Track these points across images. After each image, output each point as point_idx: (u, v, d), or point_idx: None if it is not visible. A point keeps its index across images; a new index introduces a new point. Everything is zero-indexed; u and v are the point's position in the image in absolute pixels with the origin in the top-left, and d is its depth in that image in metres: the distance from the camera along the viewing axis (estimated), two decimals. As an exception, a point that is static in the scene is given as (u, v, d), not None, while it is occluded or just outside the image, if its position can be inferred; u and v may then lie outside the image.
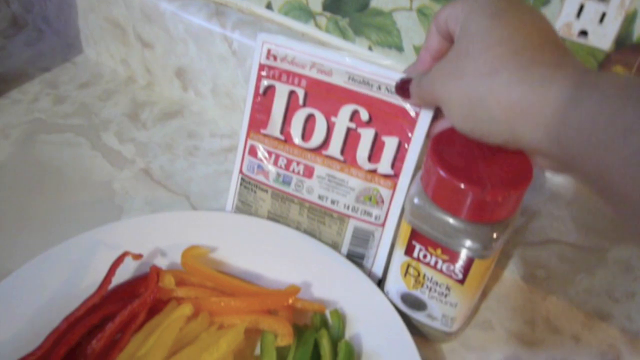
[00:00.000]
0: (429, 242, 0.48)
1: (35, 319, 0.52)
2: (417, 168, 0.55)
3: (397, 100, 0.54)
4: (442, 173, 0.44)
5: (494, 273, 0.64)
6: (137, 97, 0.87)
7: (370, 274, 0.59)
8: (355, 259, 0.59)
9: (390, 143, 0.55)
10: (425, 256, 0.50)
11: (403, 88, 0.50)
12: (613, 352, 0.58)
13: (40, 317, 0.52)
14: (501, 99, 0.37)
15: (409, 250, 0.51)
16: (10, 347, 0.49)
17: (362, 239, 0.58)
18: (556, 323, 0.60)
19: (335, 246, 0.60)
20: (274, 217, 0.62)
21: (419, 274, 0.51)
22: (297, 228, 0.61)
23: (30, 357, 0.48)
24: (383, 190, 0.56)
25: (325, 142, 0.58)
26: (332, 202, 0.58)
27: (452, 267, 0.49)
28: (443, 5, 0.45)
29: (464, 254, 0.47)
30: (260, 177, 0.61)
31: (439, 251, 0.48)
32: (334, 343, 0.52)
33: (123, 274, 0.56)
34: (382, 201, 0.57)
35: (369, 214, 0.58)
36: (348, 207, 0.58)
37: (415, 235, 0.49)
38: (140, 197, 0.70)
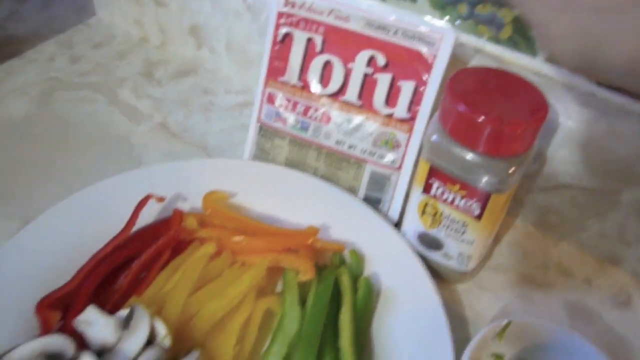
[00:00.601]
0: (447, 179, 0.50)
1: (63, 258, 0.53)
2: (433, 112, 0.56)
3: (414, 44, 0.55)
4: (460, 108, 0.45)
5: (505, 220, 0.66)
6: (150, 56, 0.88)
7: (386, 218, 0.61)
8: (372, 203, 0.61)
9: (407, 87, 0.56)
10: (443, 193, 0.51)
11: None
12: (624, 295, 0.60)
13: (67, 256, 0.53)
14: (626, 46, 0.30)
15: (426, 188, 0.52)
16: (41, 282, 0.51)
17: (379, 183, 0.60)
18: (568, 267, 0.62)
19: (352, 191, 0.61)
20: (291, 164, 0.63)
21: (436, 213, 0.52)
22: (314, 174, 0.62)
23: (60, 291, 0.50)
24: (399, 134, 0.58)
25: (343, 88, 0.59)
26: (350, 147, 0.60)
27: (469, 203, 0.50)
28: None
29: (481, 189, 0.48)
30: (278, 125, 0.62)
31: (457, 187, 0.49)
32: (354, 280, 0.53)
33: (146, 220, 0.57)
34: (399, 145, 0.58)
35: (386, 158, 0.59)
36: (365, 152, 0.59)
37: (433, 172, 0.50)
38: (158, 150, 0.71)
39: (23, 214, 0.61)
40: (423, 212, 0.53)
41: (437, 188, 0.51)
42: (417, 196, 0.53)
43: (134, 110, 0.77)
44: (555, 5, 0.32)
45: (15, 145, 0.70)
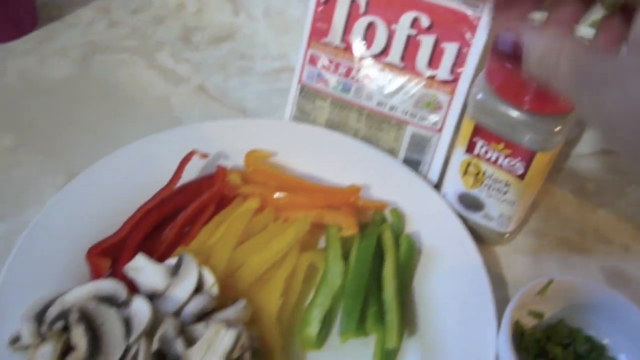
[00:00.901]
0: (492, 137, 0.50)
1: (110, 210, 0.54)
2: (476, 74, 0.56)
3: (458, 5, 0.55)
4: (507, 65, 0.46)
5: (544, 187, 0.65)
6: (187, 22, 0.88)
7: (426, 180, 0.61)
8: (412, 165, 0.61)
9: (450, 49, 0.57)
10: (486, 152, 0.51)
11: (503, 44, 0.30)
12: (662, 262, 0.60)
13: (114, 208, 0.54)
14: None
15: (470, 148, 0.52)
16: (89, 232, 0.52)
17: (419, 145, 0.60)
18: (605, 233, 0.62)
19: (393, 152, 0.61)
20: (332, 125, 0.64)
21: (478, 172, 0.53)
22: (355, 135, 0.63)
23: (109, 240, 0.51)
24: (441, 96, 0.58)
25: (386, 50, 0.59)
26: (391, 108, 0.60)
27: (513, 162, 0.50)
28: None
29: (526, 148, 0.49)
30: (320, 86, 0.63)
31: (501, 146, 0.50)
32: (395, 238, 0.54)
33: (189, 178, 0.58)
34: (440, 107, 0.58)
35: (427, 120, 0.59)
36: (406, 113, 0.59)
37: (477, 131, 0.51)
38: (198, 111, 0.72)
39: (68, 169, 0.62)
40: (465, 172, 0.54)
41: (481, 147, 0.51)
42: (459, 156, 0.54)
43: (172, 73, 0.78)
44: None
45: (58, 105, 0.71)
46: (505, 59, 0.29)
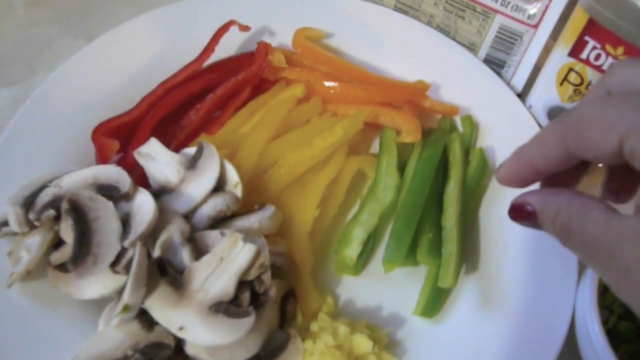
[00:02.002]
0: (609, 37, 0.39)
1: (128, 82, 0.46)
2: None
3: None
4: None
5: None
6: None
7: (508, 86, 0.50)
8: (494, 66, 0.50)
9: None
10: (597, 57, 0.40)
11: (521, 211, 0.29)
12: None
13: (134, 81, 0.46)
14: None
15: (576, 49, 0.41)
16: (101, 108, 0.44)
17: (507, 41, 0.49)
18: None
19: (473, 47, 0.51)
20: (402, 8, 0.53)
21: (581, 82, 0.42)
22: (429, 22, 0.52)
23: (125, 116, 0.43)
24: (545, -18, 0.46)
25: None
26: (478, -9, 0.49)
27: (631, 72, 0.39)
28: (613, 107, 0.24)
29: (654, 54, 0.38)
30: (391, -41, 0.51)
31: (620, 50, 0.39)
32: (465, 151, 0.44)
33: (226, 54, 0.49)
34: (542, -5, 0.47)
35: (522, 10, 0.48)
36: (496, 0, 0.48)
37: (591, 27, 0.39)
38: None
39: (88, 32, 0.54)
40: (563, 80, 0.43)
41: (592, 50, 0.40)
42: (559, 59, 0.43)
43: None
44: None
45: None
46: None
